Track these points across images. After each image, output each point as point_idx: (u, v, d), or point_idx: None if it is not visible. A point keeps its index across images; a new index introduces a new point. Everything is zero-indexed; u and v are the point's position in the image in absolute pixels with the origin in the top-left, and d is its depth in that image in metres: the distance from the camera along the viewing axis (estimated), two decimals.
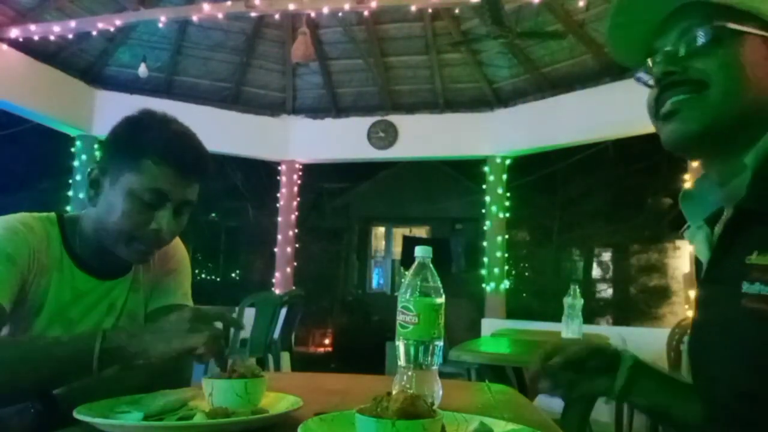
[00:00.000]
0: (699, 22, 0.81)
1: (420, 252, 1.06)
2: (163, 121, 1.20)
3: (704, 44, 0.80)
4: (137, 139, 1.15)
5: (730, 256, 0.77)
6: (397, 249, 12.83)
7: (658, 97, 0.84)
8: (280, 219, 6.98)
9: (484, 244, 6.46)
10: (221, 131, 6.58)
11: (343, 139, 6.84)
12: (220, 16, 5.18)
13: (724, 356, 0.76)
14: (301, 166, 7.13)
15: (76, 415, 0.88)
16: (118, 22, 5.31)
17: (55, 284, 1.17)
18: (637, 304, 9.73)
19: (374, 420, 0.69)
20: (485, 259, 6.38)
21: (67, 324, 1.18)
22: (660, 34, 0.85)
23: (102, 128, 6.13)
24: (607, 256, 10.95)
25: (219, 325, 1.03)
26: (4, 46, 5.20)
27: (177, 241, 1.39)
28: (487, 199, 6.43)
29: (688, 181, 4.96)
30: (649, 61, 0.87)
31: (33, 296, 1.14)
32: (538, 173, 8.81)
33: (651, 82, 0.87)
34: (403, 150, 6.69)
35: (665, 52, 0.84)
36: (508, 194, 6.49)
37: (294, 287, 6.56)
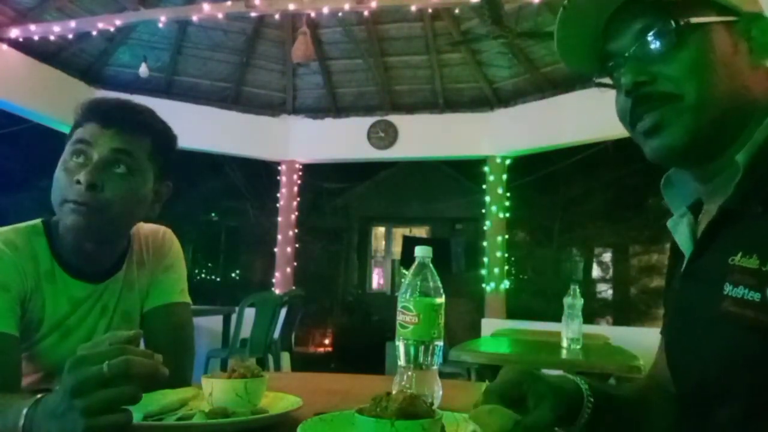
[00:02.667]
0: (653, 19, 0.76)
1: (420, 252, 1.06)
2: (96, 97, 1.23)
3: (667, 47, 0.76)
4: (73, 123, 1.18)
5: (712, 252, 0.76)
6: (397, 249, 12.82)
7: (632, 110, 0.80)
8: (280, 219, 6.97)
9: (484, 244, 6.45)
10: (221, 131, 6.59)
11: (343, 139, 6.83)
12: (220, 16, 5.17)
13: (702, 357, 0.75)
14: (301, 166, 7.13)
15: None
16: (118, 22, 5.31)
17: (50, 297, 1.16)
18: (637, 304, 9.72)
19: (373, 420, 0.69)
20: (485, 259, 6.38)
21: (64, 332, 1.18)
22: (611, 36, 0.81)
23: None
24: (607, 256, 10.94)
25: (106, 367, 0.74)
26: (4, 46, 5.20)
27: (171, 237, 1.37)
28: (487, 199, 6.43)
29: None
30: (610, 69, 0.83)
31: (31, 314, 1.13)
32: (538, 173, 8.80)
33: (612, 83, 0.83)
34: (403, 150, 6.69)
35: (628, 61, 0.79)
36: (508, 194, 6.49)
37: (294, 287, 6.56)
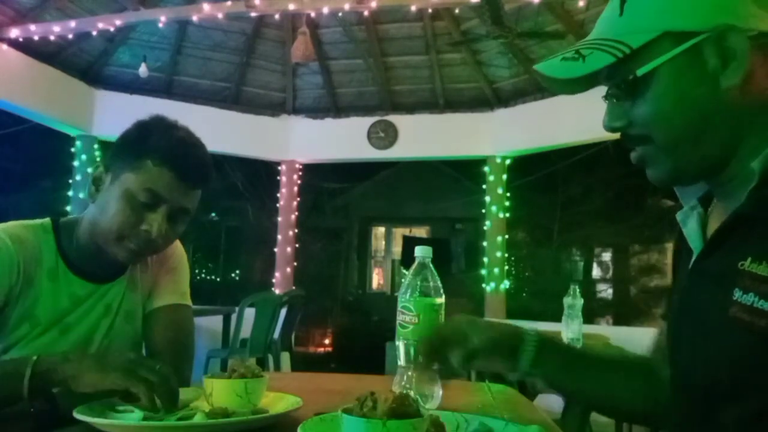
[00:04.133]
0: (612, 72, 0.78)
1: (420, 252, 1.06)
2: (171, 126, 1.21)
3: (629, 94, 0.78)
4: (141, 140, 1.17)
5: (722, 253, 0.76)
6: (397, 249, 12.83)
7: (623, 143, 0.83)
8: (280, 219, 6.98)
9: (484, 244, 6.46)
10: (221, 131, 6.58)
11: (343, 139, 6.84)
12: (220, 16, 5.17)
13: (707, 359, 0.76)
14: (301, 166, 7.13)
15: (76, 415, 0.88)
16: (118, 22, 5.31)
17: (50, 293, 1.17)
18: (637, 304, 9.72)
19: (364, 420, 0.69)
20: (485, 259, 6.38)
21: (64, 328, 1.19)
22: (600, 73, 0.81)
23: (102, 128, 6.13)
24: (607, 256, 10.94)
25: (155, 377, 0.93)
26: (4, 46, 5.20)
27: (175, 242, 1.39)
28: (487, 199, 6.43)
29: None
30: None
31: (20, 308, 1.14)
32: (538, 173, 8.80)
33: None
34: (403, 150, 6.69)
35: (608, 101, 0.82)
36: (508, 194, 6.49)
37: (294, 287, 6.56)
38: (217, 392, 0.95)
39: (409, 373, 1.02)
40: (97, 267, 1.23)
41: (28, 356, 0.98)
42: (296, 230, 7.01)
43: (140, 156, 1.15)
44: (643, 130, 0.78)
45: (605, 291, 10.70)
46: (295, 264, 6.98)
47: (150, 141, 1.16)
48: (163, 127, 1.20)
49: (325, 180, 10.31)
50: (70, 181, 6.33)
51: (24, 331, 1.15)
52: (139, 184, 1.14)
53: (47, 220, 1.23)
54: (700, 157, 0.77)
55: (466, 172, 10.14)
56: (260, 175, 9.98)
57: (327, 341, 10.09)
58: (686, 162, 0.78)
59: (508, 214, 6.47)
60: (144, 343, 1.31)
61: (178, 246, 1.39)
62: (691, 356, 0.80)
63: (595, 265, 10.87)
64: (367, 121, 6.67)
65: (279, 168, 7.08)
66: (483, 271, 6.45)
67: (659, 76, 0.75)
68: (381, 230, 13.46)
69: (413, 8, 5.19)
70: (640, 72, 0.75)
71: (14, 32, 5.16)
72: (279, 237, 6.93)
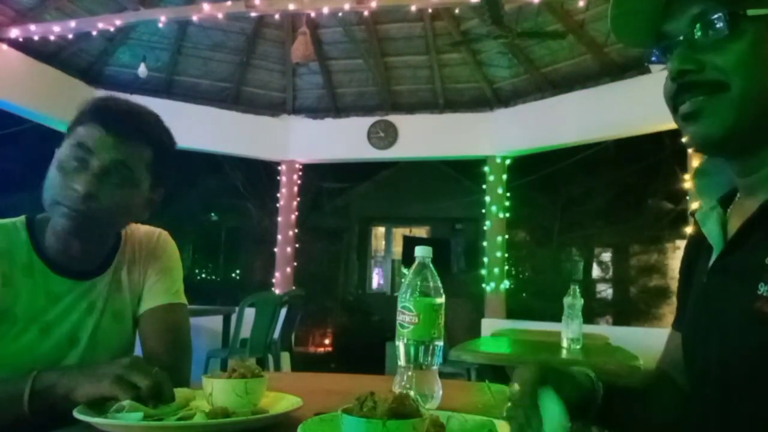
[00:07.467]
0: (709, 7, 0.75)
1: (420, 252, 1.06)
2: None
3: (719, 36, 0.74)
4: (75, 116, 1.18)
5: (747, 249, 0.74)
6: (397, 249, 12.83)
7: (676, 95, 0.79)
8: (280, 219, 6.98)
9: (484, 244, 6.46)
10: (221, 131, 6.59)
11: (343, 139, 6.84)
12: (220, 16, 5.17)
13: (726, 355, 0.75)
14: (301, 166, 7.13)
15: (76, 414, 0.88)
16: (118, 22, 5.31)
17: (26, 290, 1.15)
18: (637, 304, 9.71)
19: (364, 420, 0.69)
20: (485, 259, 6.38)
21: (44, 327, 1.16)
22: (669, 15, 0.79)
23: None
24: (607, 256, 10.93)
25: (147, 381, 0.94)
26: (4, 46, 5.19)
27: (166, 238, 1.36)
28: (487, 199, 6.43)
29: (688, 181, 4.96)
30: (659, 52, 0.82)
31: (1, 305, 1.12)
32: (538, 173, 8.79)
33: (665, 65, 0.81)
34: (403, 150, 6.69)
35: (679, 45, 0.77)
36: (508, 194, 6.49)
37: (294, 287, 6.56)
38: (217, 392, 0.95)
39: (409, 373, 1.02)
40: (75, 262, 1.20)
41: (28, 374, 0.99)
42: (296, 230, 7.01)
43: (72, 127, 1.16)
44: (720, 75, 0.74)
45: (605, 291, 10.68)
46: (295, 264, 6.98)
47: (79, 111, 1.18)
48: (92, 99, 1.21)
49: (325, 180, 10.31)
50: None
51: (2, 330, 1.12)
52: (69, 146, 1.14)
53: (22, 217, 1.21)
54: (759, 121, 0.75)
55: (466, 172, 10.13)
56: (260, 175, 9.97)
57: (327, 341, 10.09)
58: (745, 120, 0.75)
59: (508, 214, 6.47)
60: (141, 345, 1.28)
61: (169, 244, 1.36)
62: (712, 353, 0.78)
63: (595, 265, 10.86)
64: (367, 121, 6.67)
65: (279, 168, 7.08)
66: (483, 271, 6.45)
67: (750, 28, 0.73)
68: (381, 230, 13.46)
69: (413, 8, 5.18)
70: (751, 12, 0.73)
71: (14, 32, 5.15)
72: (279, 237, 6.93)
